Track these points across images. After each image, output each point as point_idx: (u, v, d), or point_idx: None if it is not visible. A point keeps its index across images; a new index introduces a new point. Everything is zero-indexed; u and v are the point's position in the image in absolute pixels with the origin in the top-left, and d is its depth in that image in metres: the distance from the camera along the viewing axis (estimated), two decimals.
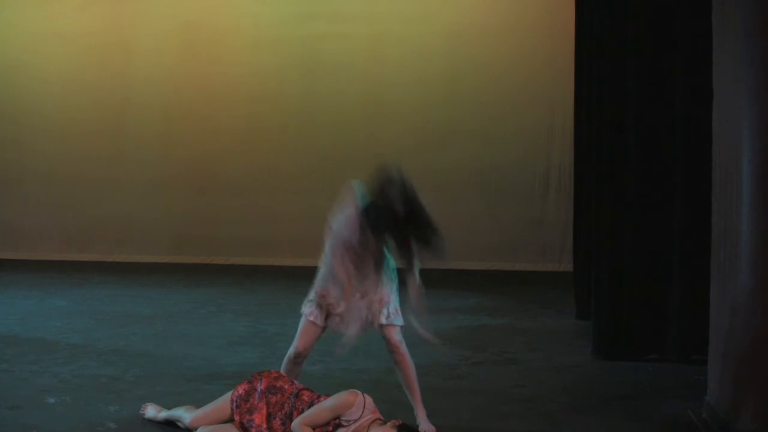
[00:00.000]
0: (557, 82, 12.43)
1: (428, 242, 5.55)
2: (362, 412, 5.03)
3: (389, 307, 5.68)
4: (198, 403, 5.64)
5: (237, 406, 5.28)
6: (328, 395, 5.20)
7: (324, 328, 5.73)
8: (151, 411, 5.78)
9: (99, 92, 13.60)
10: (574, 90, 10.26)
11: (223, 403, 5.38)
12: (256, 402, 5.27)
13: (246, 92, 13.56)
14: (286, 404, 5.22)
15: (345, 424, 5.03)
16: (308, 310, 5.73)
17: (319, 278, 5.71)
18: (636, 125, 7.33)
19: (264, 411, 5.24)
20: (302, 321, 5.77)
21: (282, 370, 5.79)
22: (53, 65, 13.67)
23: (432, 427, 5.58)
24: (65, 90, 13.68)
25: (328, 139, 13.34)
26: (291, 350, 5.82)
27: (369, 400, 5.09)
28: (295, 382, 5.46)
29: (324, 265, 5.69)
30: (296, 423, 5.09)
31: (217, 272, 12.62)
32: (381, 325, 5.66)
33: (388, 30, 13.27)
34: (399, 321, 5.70)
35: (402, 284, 5.72)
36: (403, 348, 5.69)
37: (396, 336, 5.67)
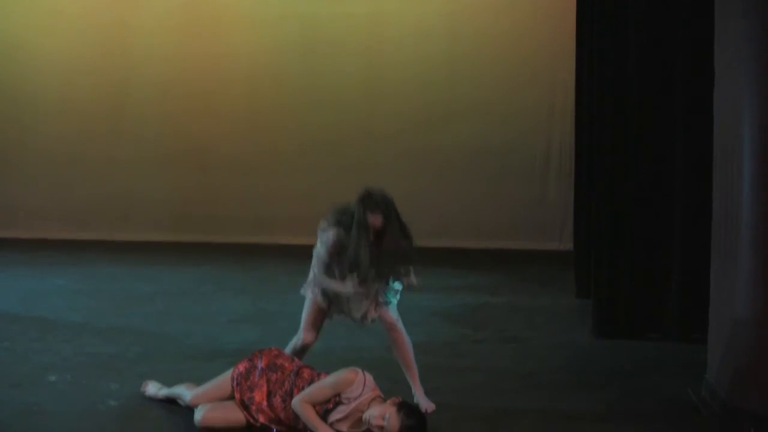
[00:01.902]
0: (558, 61, 12.38)
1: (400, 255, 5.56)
2: (362, 390, 5.04)
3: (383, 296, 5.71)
4: (198, 381, 5.65)
5: (237, 384, 5.29)
6: (328, 373, 5.21)
7: (328, 309, 5.75)
8: (152, 388, 5.80)
9: (98, 71, 13.54)
10: (575, 69, 10.23)
11: (223, 380, 5.40)
12: (256, 380, 5.28)
13: (246, 71, 13.51)
14: (286, 382, 5.23)
15: (345, 401, 5.04)
16: (310, 291, 5.74)
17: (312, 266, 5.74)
18: (637, 104, 7.31)
19: (264, 389, 5.25)
20: (307, 305, 5.78)
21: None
22: (52, 44, 13.60)
23: (431, 405, 5.60)
24: (65, 69, 13.63)
25: (327, 118, 13.30)
26: (298, 341, 5.83)
27: (369, 378, 5.10)
28: (296, 360, 5.48)
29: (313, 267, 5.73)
30: (296, 400, 5.11)
31: (218, 250, 12.61)
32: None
33: (388, 9, 13.21)
34: (396, 289, 5.71)
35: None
36: (400, 326, 5.70)
37: (392, 314, 5.68)
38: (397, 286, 5.74)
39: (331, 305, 5.73)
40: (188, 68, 13.53)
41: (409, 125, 12.96)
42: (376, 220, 5.53)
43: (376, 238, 5.56)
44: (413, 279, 5.73)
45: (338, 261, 5.59)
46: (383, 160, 12.89)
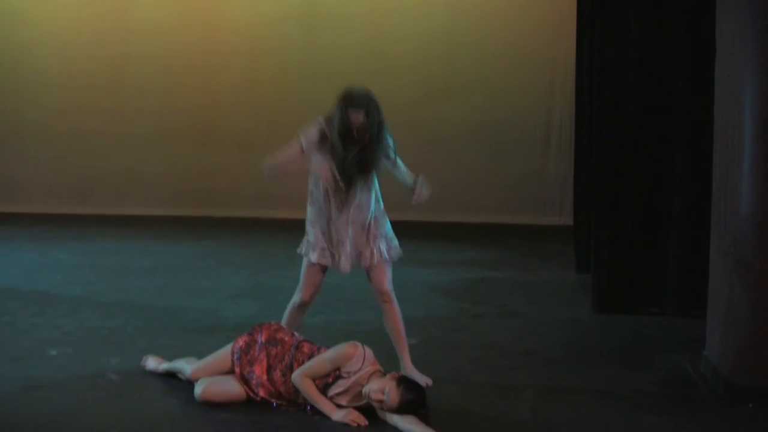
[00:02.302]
0: (559, 36, 12.35)
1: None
2: (362, 364, 5.05)
3: (381, 244, 5.68)
4: (199, 355, 5.67)
5: (237, 358, 5.30)
6: (328, 347, 5.22)
7: (325, 270, 5.74)
8: (152, 363, 5.81)
9: (98, 45, 13.50)
10: (576, 44, 10.20)
11: (223, 355, 5.41)
12: (256, 354, 5.29)
13: (246, 44, 13.47)
14: (286, 356, 5.25)
15: (345, 375, 5.06)
16: (305, 249, 5.74)
17: (308, 219, 5.74)
18: (638, 79, 7.29)
19: (264, 363, 5.26)
20: (304, 266, 5.78)
21: (284, 319, 5.82)
22: (52, 17, 13.56)
23: (427, 379, 5.61)
24: (65, 42, 13.59)
25: (328, 91, 13.10)
26: (296, 299, 5.84)
27: (369, 352, 5.11)
28: (296, 334, 5.48)
29: (310, 204, 5.71)
30: (296, 374, 5.12)
31: (218, 225, 12.62)
32: (372, 266, 5.67)
33: None
34: (395, 253, 5.71)
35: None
36: (393, 297, 5.70)
37: (386, 285, 5.67)
38: (392, 143, 5.77)
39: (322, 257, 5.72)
40: (188, 42, 13.49)
41: (408, 99, 12.92)
42: (357, 116, 5.53)
43: (360, 136, 5.54)
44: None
45: (319, 149, 5.59)
46: None
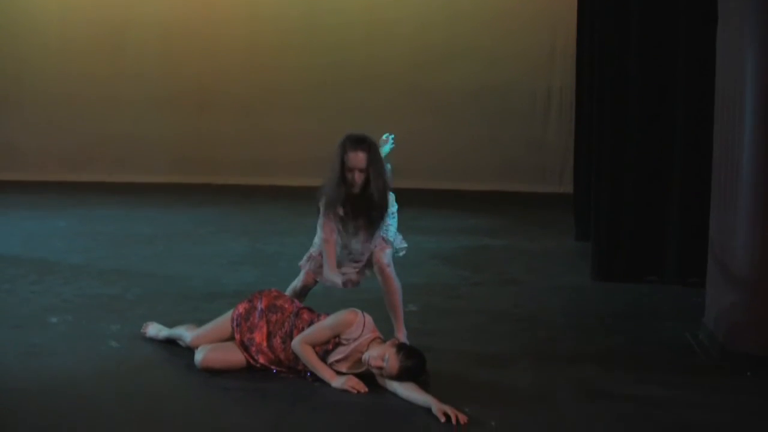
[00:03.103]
0: (560, 2, 12.29)
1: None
2: (362, 331, 5.06)
3: (384, 234, 5.70)
4: (199, 322, 5.67)
5: (237, 325, 5.31)
6: (328, 314, 5.23)
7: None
8: (152, 330, 5.82)
9: (99, 9, 13.47)
10: (577, 10, 10.15)
11: (223, 321, 5.41)
12: (256, 321, 5.30)
13: (246, 11, 13.42)
14: (286, 323, 5.25)
15: (344, 342, 5.07)
16: (305, 263, 5.80)
17: (315, 240, 5.76)
18: (639, 47, 7.26)
19: (264, 330, 5.27)
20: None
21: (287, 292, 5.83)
22: None
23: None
24: (64, 7, 13.54)
25: (328, 58, 13.24)
26: (298, 282, 5.84)
27: (369, 319, 5.12)
28: (295, 301, 5.49)
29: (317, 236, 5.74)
30: (296, 341, 5.13)
31: (217, 192, 12.62)
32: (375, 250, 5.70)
33: None
34: (397, 244, 5.73)
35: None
36: (390, 270, 5.69)
37: (384, 258, 5.67)
38: (393, 207, 5.74)
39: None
40: (188, 8, 13.45)
41: (409, 66, 12.90)
42: (358, 158, 5.46)
43: (364, 182, 5.49)
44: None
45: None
46: (383, 101, 12.86)
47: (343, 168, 5.45)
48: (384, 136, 6.09)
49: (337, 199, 5.49)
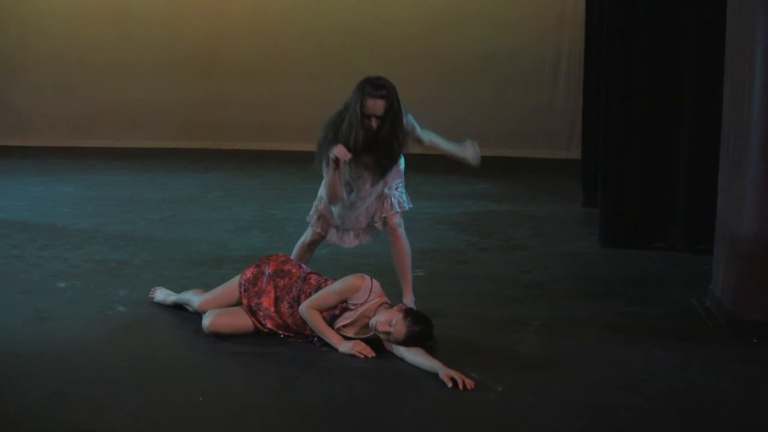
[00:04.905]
0: None
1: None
2: (369, 296, 5.07)
3: (391, 200, 5.67)
4: (206, 287, 5.69)
5: (245, 290, 5.32)
6: (335, 279, 5.24)
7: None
8: (160, 295, 5.84)
9: None
10: None
11: (231, 286, 5.42)
12: (263, 285, 5.31)
13: None
14: (293, 288, 5.26)
15: (352, 307, 5.08)
16: (313, 221, 5.80)
17: (319, 193, 5.74)
18: (648, 12, 7.21)
19: (272, 294, 5.28)
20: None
21: (293, 254, 5.84)
22: None
23: None
24: None
25: (334, 23, 13.19)
26: (306, 236, 5.85)
27: (376, 284, 5.13)
28: (303, 266, 5.49)
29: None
30: (303, 306, 5.14)
31: (225, 157, 12.62)
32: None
33: None
34: (403, 207, 5.72)
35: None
36: (400, 231, 5.70)
37: (395, 219, 5.68)
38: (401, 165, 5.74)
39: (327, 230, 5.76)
40: None
41: (416, 31, 12.85)
42: (376, 105, 5.42)
43: (378, 125, 5.45)
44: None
45: (333, 137, 5.49)
46: (390, 66, 12.72)
47: (362, 111, 5.44)
48: None
49: (350, 137, 5.45)
